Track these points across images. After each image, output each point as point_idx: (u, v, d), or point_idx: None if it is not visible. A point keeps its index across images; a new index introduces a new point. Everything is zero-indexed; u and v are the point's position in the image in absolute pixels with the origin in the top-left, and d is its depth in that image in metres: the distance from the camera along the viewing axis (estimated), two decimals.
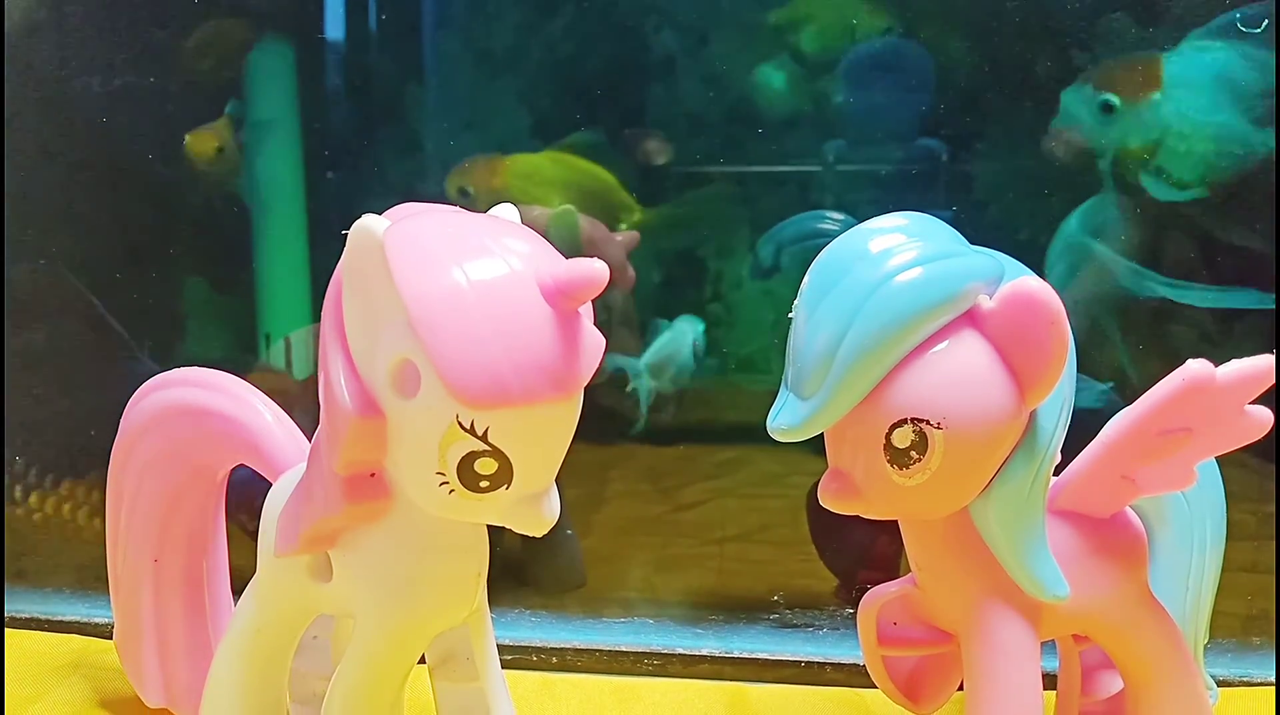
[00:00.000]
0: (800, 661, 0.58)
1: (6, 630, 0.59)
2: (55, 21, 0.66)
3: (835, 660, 0.57)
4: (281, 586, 0.41)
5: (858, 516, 0.37)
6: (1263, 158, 0.58)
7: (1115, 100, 0.59)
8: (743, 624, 0.62)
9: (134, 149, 0.67)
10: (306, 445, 0.41)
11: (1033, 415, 0.36)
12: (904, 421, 0.34)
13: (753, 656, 0.58)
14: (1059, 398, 0.36)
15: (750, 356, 0.70)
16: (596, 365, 0.33)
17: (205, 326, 0.73)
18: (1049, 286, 0.34)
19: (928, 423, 0.34)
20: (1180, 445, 0.36)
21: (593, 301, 0.33)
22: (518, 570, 0.67)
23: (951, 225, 0.37)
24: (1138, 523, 0.40)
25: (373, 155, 0.69)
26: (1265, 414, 0.35)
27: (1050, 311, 0.33)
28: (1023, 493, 0.36)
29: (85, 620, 0.61)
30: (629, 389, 0.67)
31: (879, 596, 0.43)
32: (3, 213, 0.65)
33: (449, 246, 0.32)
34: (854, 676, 0.55)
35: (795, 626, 0.62)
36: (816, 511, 0.44)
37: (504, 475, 0.33)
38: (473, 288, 0.31)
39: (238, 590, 0.44)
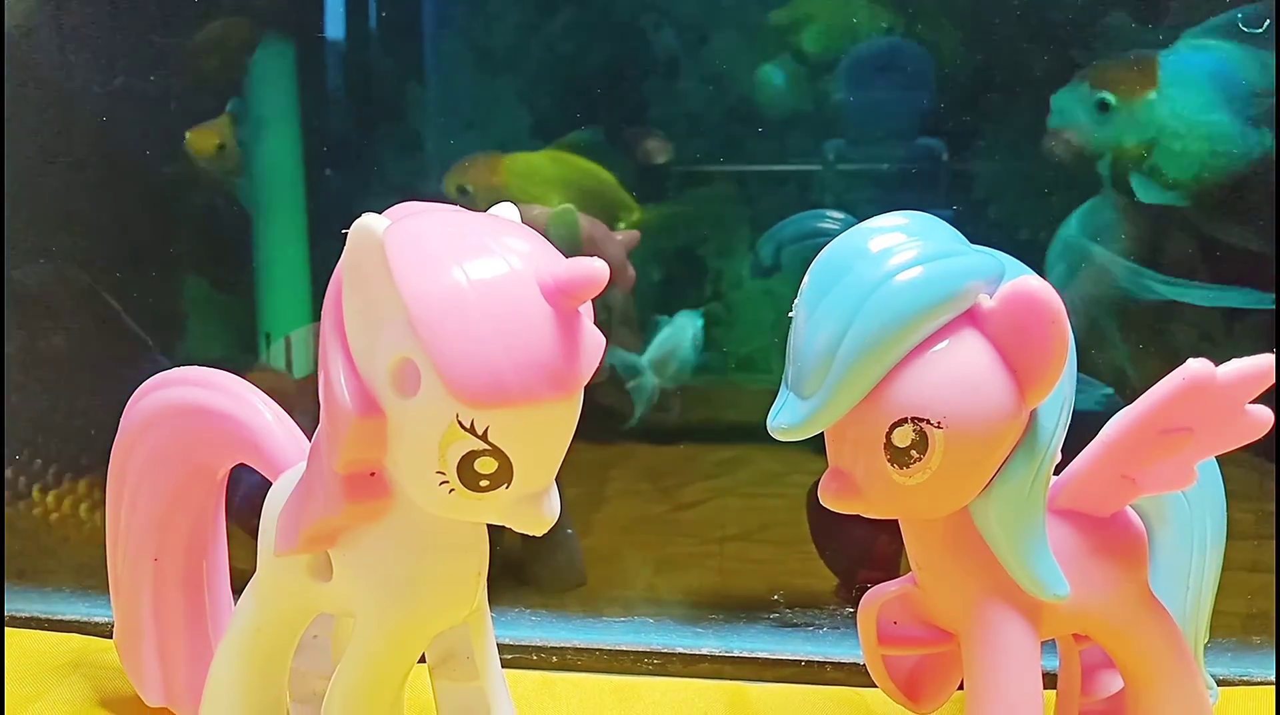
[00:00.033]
0: (800, 661, 0.58)
1: (6, 629, 0.59)
2: (55, 20, 0.66)
3: (835, 659, 0.57)
4: (281, 585, 0.41)
5: (858, 516, 0.37)
6: (1258, 157, 0.58)
7: (1111, 99, 0.59)
8: (743, 623, 0.62)
9: (134, 148, 0.67)
10: (307, 444, 0.41)
11: (1033, 414, 0.36)
12: (904, 420, 0.34)
13: (753, 656, 0.58)
14: (1059, 397, 0.36)
15: (750, 355, 0.70)
16: (597, 364, 0.33)
17: (205, 325, 0.73)
18: (1049, 285, 0.34)
19: (928, 422, 0.34)
20: (1181, 444, 0.36)
21: (593, 301, 0.33)
22: (518, 569, 0.67)
23: (952, 224, 0.37)
24: (1138, 522, 0.40)
25: (373, 154, 0.69)
26: (1265, 413, 0.35)
27: (1051, 311, 0.33)
28: (1023, 492, 0.36)
29: (85, 619, 0.61)
30: (630, 386, 0.67)
31: (879, 596, 0.43)
32: (3, 213, 0.65)
33: (449, 245, 0.32)
34: (854, 676, 0.55)
35: (795, 626, 0.62)
36: (817, 511, 0.44)
37: (504, 474, 0.33)
38: (473, 287, 0.31)
39: (238, 589, 0.44)
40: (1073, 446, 0.38)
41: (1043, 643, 0.39)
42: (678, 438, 0.70)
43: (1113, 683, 0.45)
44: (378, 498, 0.36)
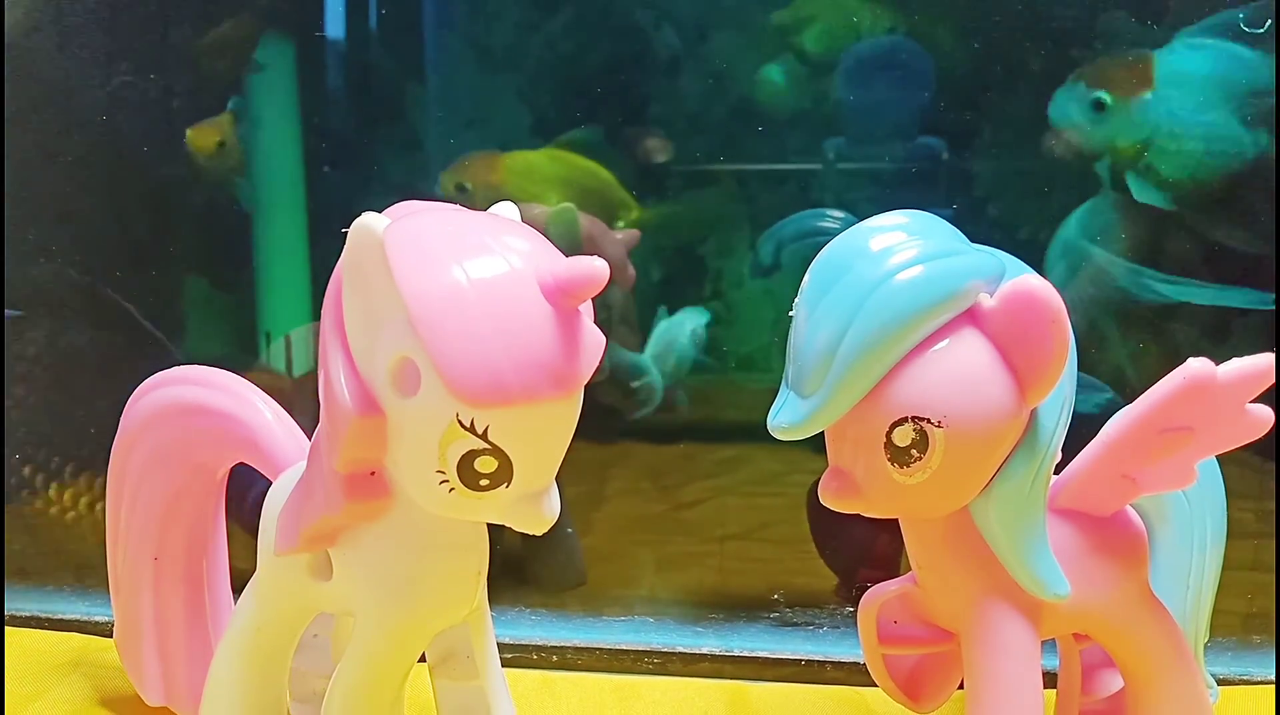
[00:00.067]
0: (800, 660, 0.58)
1: (6, 628, 0.59)
2: (55, 19, 0.66)
3: (835, 659, 0.57)
4: (282, 585, 0.41)
5: (858, 515, 0.37)
6: (1254, 158, 0.58)
7: (1107, 98, 0.59)
8: (743, 622, 0.62)
9: (134, 147, 0.67)
10: (306, 443, 0.41)
11: (1033, 414, 0.36)
12: (904, 420, 0.34)
13: (753, 655, 0.58)
14: (1060, 396, 0.36)
15: (750, 354, 0.70)
16: (597, 364, 0.33)
17: (205, 324, 0.73)
18: (1050, 285, 0.34)
19: (928, 421, 0.34)
20: (1181, 444, 0.36)
21: (593, 300, 0.33)
22: (518, 568, 0.67)
23: (952, 223, 0.37)
24: (1138, 521, 0.40)
25: (373, 153, 0.69)
26: (1266, 412, 0.35)
27: (1051, 310, 0.33)
28: (1023, 491, 0.36)
29: (85, 619, 0.61)
30: (636, 386, 0.67)
31: (879, 595, 0.43)
32: (2, 212, 0.65)
33: (449, 245, 0.32)
34: (854, 675, 0.55)
35: (795, 625, 0.62)
36: (817, 510, 0.44)
37: (504, 474, 0.33)
38: (473, 286, 0.31)
39: (238, 589, 0.44)
40: (1072, 448, 0.38)
41: (1043, 642, 0.39)
42: (678, 437, 0.70)
43: (1113, 682, 0.45)
44: (378, 497, 0.36)
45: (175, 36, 0.66)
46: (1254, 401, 0.35)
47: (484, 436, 0.32)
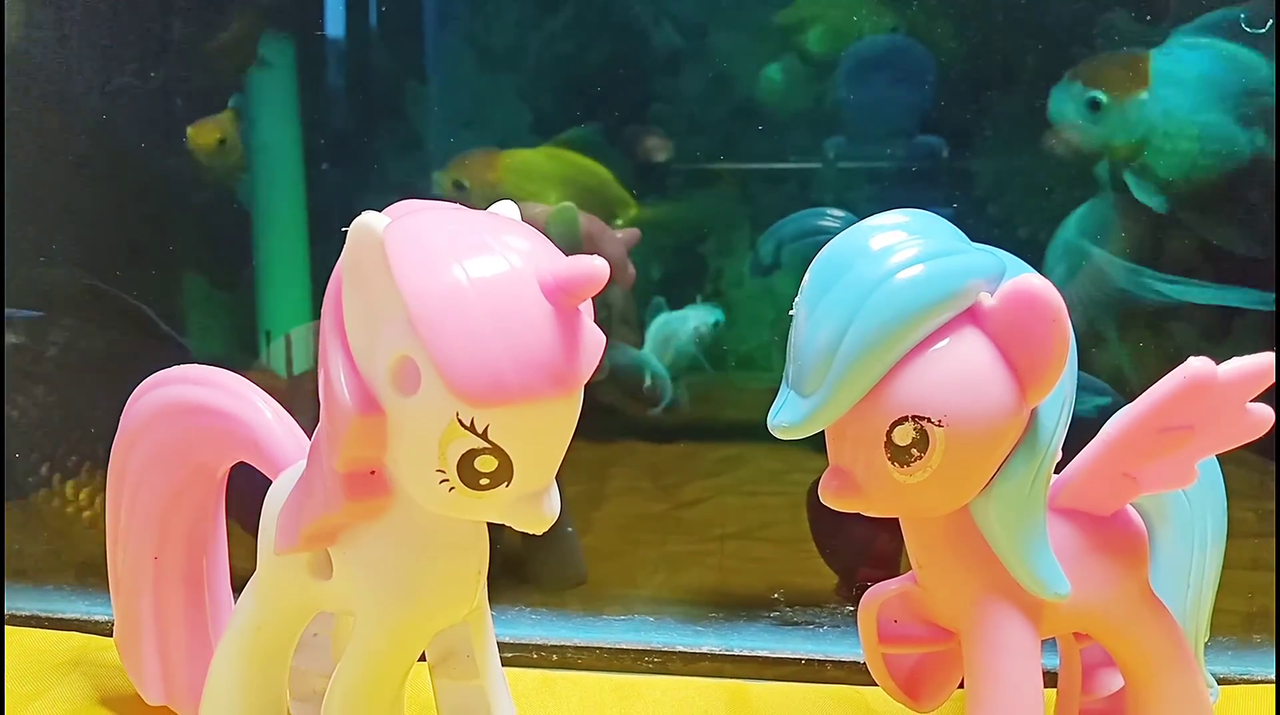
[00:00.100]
0: (801, 659, 0.58)
1: (6, 627, 0.59)
2: (55, 17, 0.66)
3: (836, 658, 0.57)
4: (282, 584, 0.41)
5: (858, 514, 0.37)
6: (1250, 157, 0.58)
7: (1103, 97, 0.59)
8: (743, 621, 0.62)
9: (134, 145, 0.67)
10: (306, 442, 0.41)
11: (1034, 413, 0.36)
12: (905, 419, 0.34)
13: (753, 654, 0.58)
14: (1060, 395, 0.36)
15: (750, 354, 0.70)
16: (597, 363, 0.33)
17: (205, 323, 0.73)
18: (1050, 284, 0.34)
19: (929, 420, 0.34)
20: (1181, 443, 0.36)
21: (593, 299, 0.33)
22: (518, 567, 0.67)
23: (952, 222, 0.37)
24: (1139, 521, 0.40)
25: (373, 152, 0.69)
26: (1266, 412, 0.35)
27: (1051, 309, 0.33)
28: (1024, 491, 0.36)
29: (85, 618, 0.61)
30: (647, 387, 0.67)
31: (879, 594, 0.43)
32: (2, 212, 0.65)
33: (449, 244, 0.32)
34: (854, 674, 0.55)
35: (796, 624, 0.62)
36: (817, 509, 0.44)
37: (504, 473, 0.33)
38: (473, 285, 0.31)
39: (238, 588, 0.44)
40: (1071, 449, 0.38)
41: (1043, 641, 0.39)
42: (678, 436, 0.70)
43: (1113, 681, 0.45)
44: (378, 496, 0.36)
45: (177, 33, 0.66)
46: (1254, 401, 0.35)
47: (484, 436, 0.32)
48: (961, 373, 0.34)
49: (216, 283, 0.72)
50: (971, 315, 0.35)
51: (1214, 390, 0.34)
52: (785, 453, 0.54)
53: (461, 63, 0.70)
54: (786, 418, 0.35)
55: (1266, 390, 0.34)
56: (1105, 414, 0.37)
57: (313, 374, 0.36)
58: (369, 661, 0.38)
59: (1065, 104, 0.60)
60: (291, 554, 0.38)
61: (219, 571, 0.49)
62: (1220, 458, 0.41)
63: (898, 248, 0.34)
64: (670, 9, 0.66)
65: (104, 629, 0.56)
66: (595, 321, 0.34)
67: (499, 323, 0.31)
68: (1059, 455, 0.37)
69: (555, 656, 0.59)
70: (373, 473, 0.36)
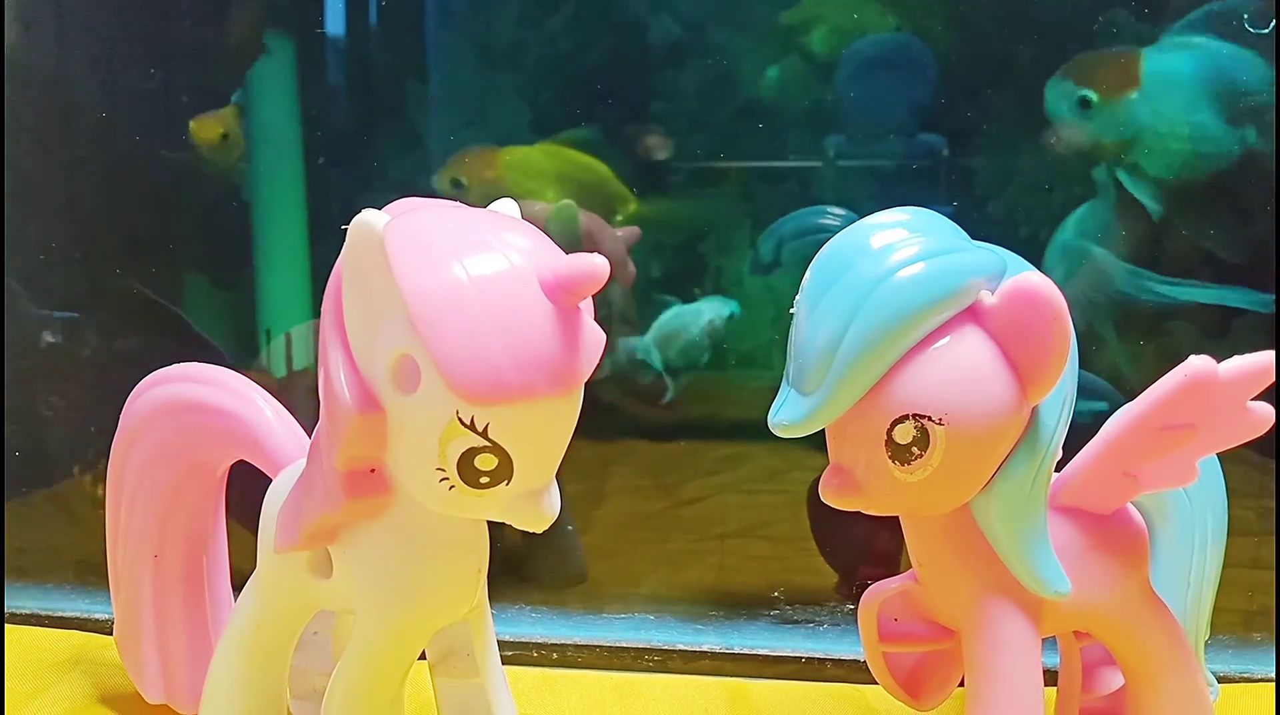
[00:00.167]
0: (801, 657, 0.58)
1: (6, 626, 0.59)
2: (55, 15, 0.66)
3: (836, 656, 0.57)
4: (282, 582, 0.41)
5: (859, 512, 0.37)
6: (1240, 157, 0.58)
7: (1092, 96, 0.59)
8: (743, 620, 0.62)
9: (135, 144, 0.67)
10: (306, 440, 0.41)
11: (1034, 411, 0.36)
12: (905, 417, 0.34)
13: (753, 652, 0.58)
14: (1061, 394, 0.36)
15: (751, 352, 0.70)
16: (597, 361, 0.33)
17: (205, 322, 0.73)
18: (1051, 282, 0.34)
19: (929, 418, 0.34)
20: (1182, 441, 0.36)
21: (593, 297, 0.33)
22: (518, 566, 0.67)
23: (953, 220, 0.37)
24: (1139, 519, 0.40)
25: (373, 150, 0.69)
26: (1267, 410, 0.35)
27: (1052, 307, 0.33)
28: (1024, 489, 0.36)
29: (85, 616, 0.61)
30: (648, 382, 0.67)
31: (880, 592, 0.43)
32: (2, 212, 0.65)
33: (449, 242, 0.32)
34: (855, 673, 0.55)
35: (796, 622, 0.62)
36: (817, 507, 0.44)
37: (504, 471, 0.33)
38: (473, 283, 0.31)
39: (238, 587, 0.44)
40: (1070, 449, 0.38)
41: (1043, 639, 0.39)
42: (678, 434, 0.70)
43: (1113, 680, 0.45)
44: (378, 494, 0.36)
45: (178, 31, 0.66)
46: (1255, 399, 0.35)
47: (484, 434, 0.32)
48: (962, 371, 0.34)
49: (217, 281, 0.72)
50: (972, 313, 0.35)
51: (1215, 389, 0.34)
52: (785, 451, 0.54)
53: (462, 61, 0.70)
54: (787, 416, 0.35)
55: (1267, 389, 0.34)
56: (1102, 419, 0.37)
57: (313, 372, 0.36)
58: (369, 660, 0.38)
59: (1057, 102, 0.60)
60: (291, 552, 0.38)
61: (219, 570, 0.49)
62: (1221, 456, 0.41)
63: (898, 246, 0.34)
64: (671, 7, 0.66)
65: (104, 627, 0.56)
66: (595, 319, 0.34)
67: (499, 321, 0.31)
68: (1059, 454, 0.37)
69: (555, 655, 0.59)
70: (373, 471, 0.36)
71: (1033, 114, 0.61)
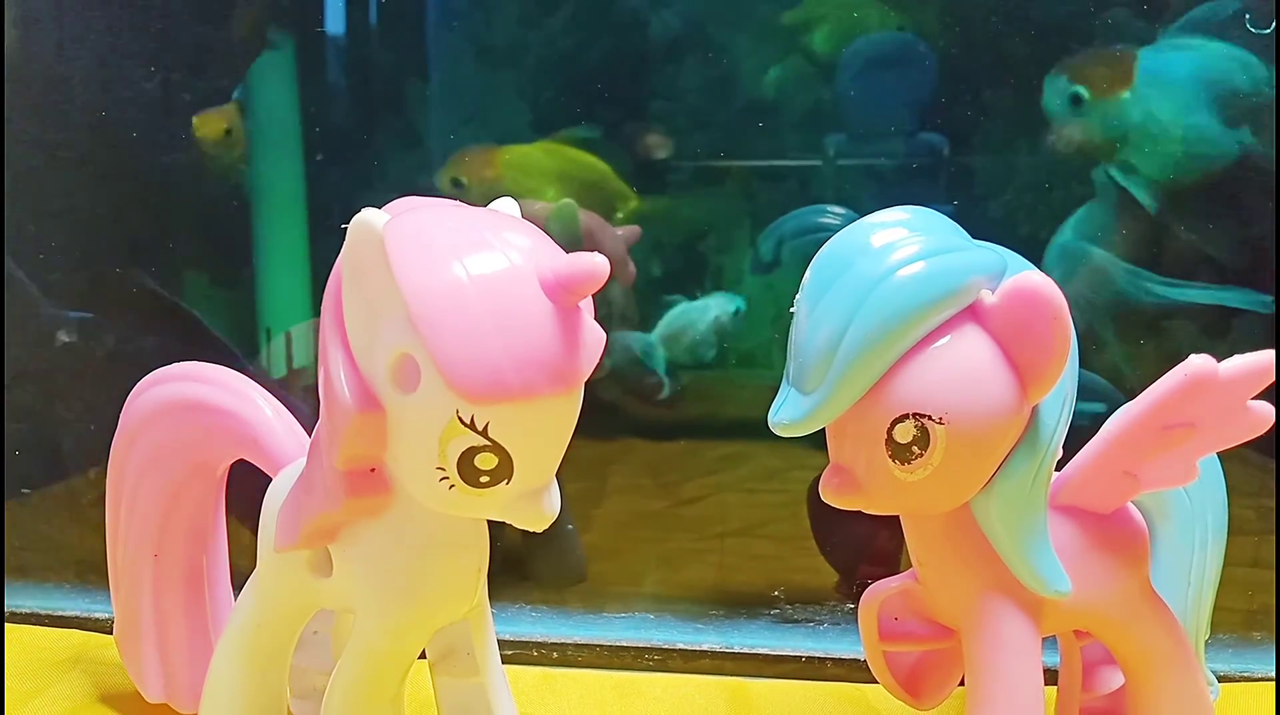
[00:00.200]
0: (801, 657, 0.58)
1: (6, 625, 0.59)
2: (55, 13, 0.66)
3: (836, 655, 0.57)
4: (282, 581, 0.41)
5: (859, 512, 0.37)
6: (1235, 158, 0.58)
7: (1084, 93, 0.59)
8: (743, 619, 0.62)
9: (134, 143, 0.67)
10: (306, 440, 0.41)
11: (1035, 411, 0.36)
12: (906, 416, 0.34)
13: (753, 652, 0.58)
14: (1061, 393, 0.36)
15: (751, 351, 0.70)
16: (597, 360, 0.33)
17: (205, 320, 0.73)
18: (1051, 281, 0.34)
19: (930, 418, 0.34)
20: (1182, 440, 0.36)
21: (593, 296, 0.33)
22: (518, 565, 0.67)
23: (953, 219, 0.37)
24: (1139, 518, 0.40)
25: (373, 149, 0.69)
26: (1267, 409, 0.35)
27: (1053, 306, 0.33)
28: (1025, 488, 0.36)
29: (85, 615, 0.61)
30: (650, 380, 0.67)
31: (880, 592, 0.43)
32: (2, 212, 0.65)
33: (449, 241, 0.32)
34: (855, 672, 0.55)
35: (796, 622, 0.62)
36: (817, 506, 0.44)
37: (504, 470, 0.33)
38: (473, 282, 0.31)
39: (238, 586, 0.44)
40: (1070, 449, 0.38)
41: (1043, 639, 0.39)
42: (678, 433, 0.70)
43: (1114, 679, 0.45)
44: (378, 493, 0.36)
45: (179, 29, 0.66)
46: (1255, 398, 0.35)
47: (484, 433, 0.32)
48: (962, 370, 0.34)
49: (217, 279, 0.72)
50: (972, 312, 0.35)
51: (1215, 388, 0.34)
52: (786, 450, 0.54)
53: (462, 60, 0.70)
54: (787, 415, 0.35)
55: (1267, 388, 0.34)
56: (1102, 420, 0.37)
57: (313, 371, 0.36)
58: (369, 659, 0.38)
59: (1052, 98, 0.60)
60: (291, 551, 0.38)
61: (219, 569, 0.49)
62: (1221, 455, 0.41)
63: (898, 245, 0.34)
64: (672, 6, 0.66)
65: (104, 626, 0.56)
66: (595, 319, 0.34)
67: (499, 320, 0.31)
68: (1060, 453, 0.37)
69: (555, 654, 0.59)
70: (373, 470, 0.36)
71: (1033, 113, 0.61)
